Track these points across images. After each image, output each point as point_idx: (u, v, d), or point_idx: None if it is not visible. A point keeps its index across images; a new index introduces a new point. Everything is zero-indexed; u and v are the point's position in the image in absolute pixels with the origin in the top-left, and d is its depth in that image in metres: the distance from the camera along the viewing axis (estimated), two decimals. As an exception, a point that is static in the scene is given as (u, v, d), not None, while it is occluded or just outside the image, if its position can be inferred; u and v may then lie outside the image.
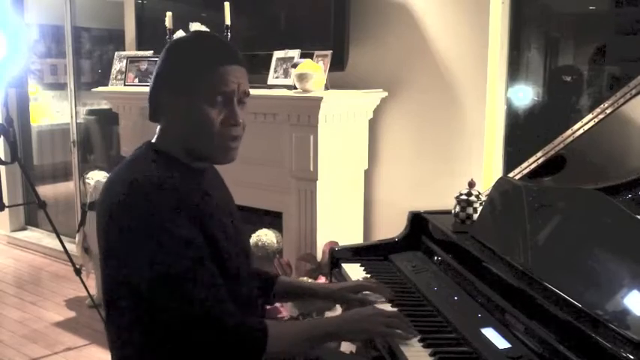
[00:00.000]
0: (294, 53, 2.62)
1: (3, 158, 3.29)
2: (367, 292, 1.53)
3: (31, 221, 4.92)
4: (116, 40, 4.17)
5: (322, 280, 2.37)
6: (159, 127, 1.33)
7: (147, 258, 1.15)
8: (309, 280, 2.34)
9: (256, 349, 1.19)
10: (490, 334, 1.30)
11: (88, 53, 4.63)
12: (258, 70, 2.68)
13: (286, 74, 2.62)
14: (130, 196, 1.18)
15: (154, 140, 1.32)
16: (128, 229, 1.17)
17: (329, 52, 2.56)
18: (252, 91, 1.35)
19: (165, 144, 1.30)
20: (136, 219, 1.16)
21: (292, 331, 1.28)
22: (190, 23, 2.83)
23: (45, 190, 4.69)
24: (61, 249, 3.20)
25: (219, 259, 1.25)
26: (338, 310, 2.28)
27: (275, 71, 2.68)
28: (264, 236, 2.66)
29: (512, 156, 2.58)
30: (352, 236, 2.74)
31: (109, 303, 1.28)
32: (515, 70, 2.61)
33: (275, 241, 2.67)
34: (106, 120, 4.48)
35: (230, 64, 1.25)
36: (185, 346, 1.17)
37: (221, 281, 1.22)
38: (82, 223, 3.41)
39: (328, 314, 2.31)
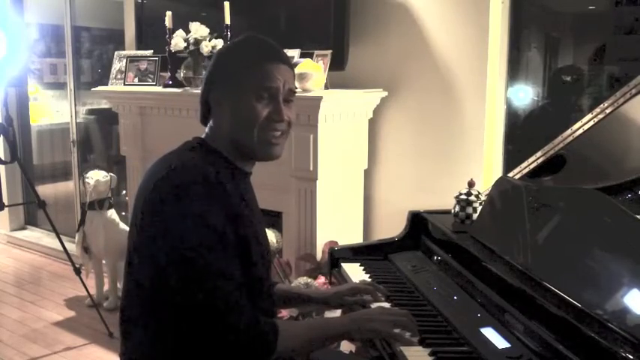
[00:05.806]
0: (294, 53, 2.62)
1: (3, 158, 3.29)
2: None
3: (30, 221, 4.91)
4: (116, 39, 4.17)
5: (322, 279, 2.37)
6: (208, 126, 1.36)
7: (175, 242, 1.16)
8: (309, 281, 2.34)
9: (267, 348, 1.19)
10: (490, 333, 1.30)
11: (87, 53, 4.63)
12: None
13: (286, 74, 2.61)
14: (169, 182, 1.20)
15: (202, 136, 1.35)
16: (163, 211, 1.18)
17: (329, 52, 2.56)
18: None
19: (214, 141, 1.32)
20: (173, 202, 1.18)
21: (302, 331, 1.28)
22: (190, 23, 2.84)
23: (45, 190, 4.69)
24: (61, 249, 3.20)
25: (247, 261, 1.26)
26: (337, 311, 2.28)
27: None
28: (264, 236, 2.65)
29: (512, 155, 2.58)
30: (352, 236, 2.74)
31: (127, 294, 1.29)
32: (515, 70, 2.61)
33: (275, 241, 2.67)
34: (106, 119, 4.48)
35: (277, 63, 1.30)
36: (195, 339, 1.17)
37: (241, 279, 1.22)
38: (82, 222, 3.41)
39: (328, 314, 2.31)
